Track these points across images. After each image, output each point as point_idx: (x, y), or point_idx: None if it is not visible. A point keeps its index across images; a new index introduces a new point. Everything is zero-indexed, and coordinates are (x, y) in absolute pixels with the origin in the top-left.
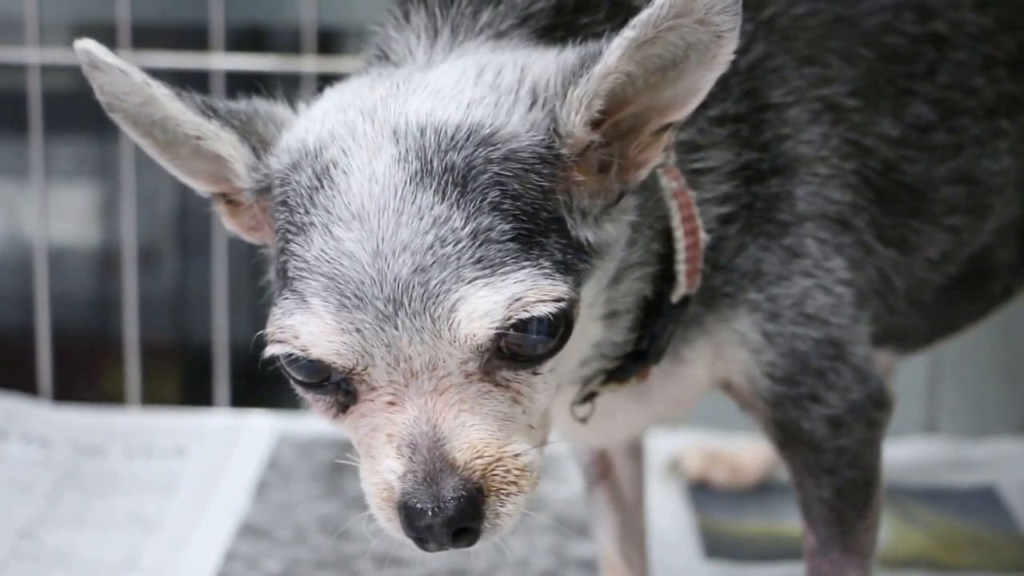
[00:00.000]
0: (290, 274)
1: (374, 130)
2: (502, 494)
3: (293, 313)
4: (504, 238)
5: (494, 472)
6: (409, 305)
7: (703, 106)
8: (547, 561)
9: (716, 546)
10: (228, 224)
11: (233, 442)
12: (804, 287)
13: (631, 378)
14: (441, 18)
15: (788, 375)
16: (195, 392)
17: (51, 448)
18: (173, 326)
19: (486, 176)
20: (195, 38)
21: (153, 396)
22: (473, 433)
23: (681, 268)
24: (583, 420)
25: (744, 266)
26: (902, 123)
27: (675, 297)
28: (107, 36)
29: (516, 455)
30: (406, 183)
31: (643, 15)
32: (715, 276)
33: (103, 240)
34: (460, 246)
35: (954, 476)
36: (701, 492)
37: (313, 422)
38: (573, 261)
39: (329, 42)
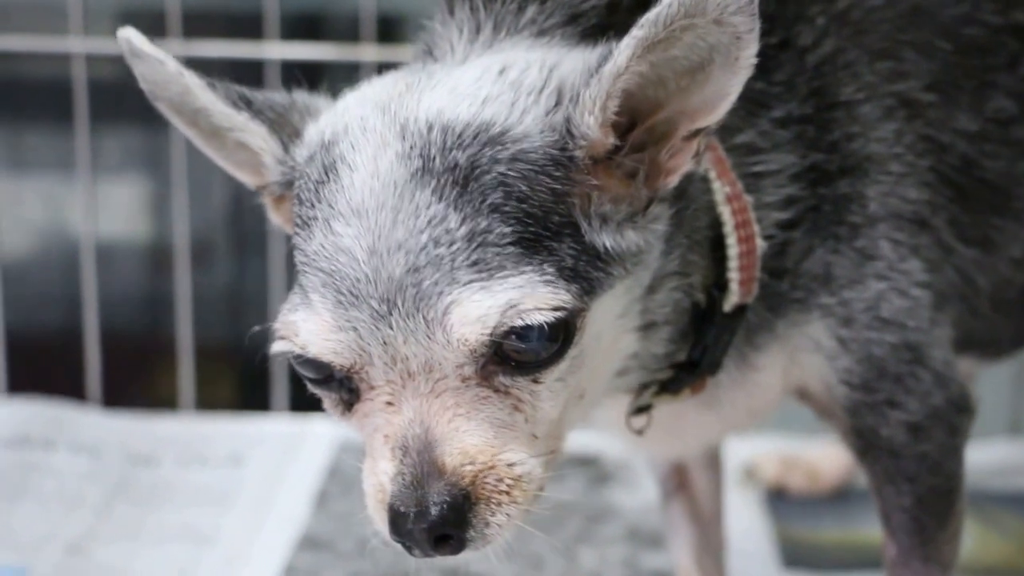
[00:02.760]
0: (297, 268)
1: (383, 125)
2: (492, 503)
3: (297, 309)
4: (504, 241)
5: (485, 480)
6: (402, 305)
7: (766, 108)
8: (620, 573)
9: (795, 555)
10: (272, 217)
11: (292, 449)
12: (878, 290)
13: (683, 389)
14: (484, 13)
15: (865, 381)
16: (251, 397)
17: (101, 458)
18: (228, 327)
19: (490, 176)
20: (249, 26)
21: (207, 401)
22: (466, 439)
23: (734, 276)
24: (639, 432)
25: (813, 270)
26: (982, 117)
27: (727, 306)
28: (156, 24)
29: (511, 464)
30: (407, 181)
31: (651, 14)
32: (781, 281)
33: (153, 236)
34: (455, 247)
35: None
36: (778, 500)
37: None
38: (586, 268)
39: (389, 30)
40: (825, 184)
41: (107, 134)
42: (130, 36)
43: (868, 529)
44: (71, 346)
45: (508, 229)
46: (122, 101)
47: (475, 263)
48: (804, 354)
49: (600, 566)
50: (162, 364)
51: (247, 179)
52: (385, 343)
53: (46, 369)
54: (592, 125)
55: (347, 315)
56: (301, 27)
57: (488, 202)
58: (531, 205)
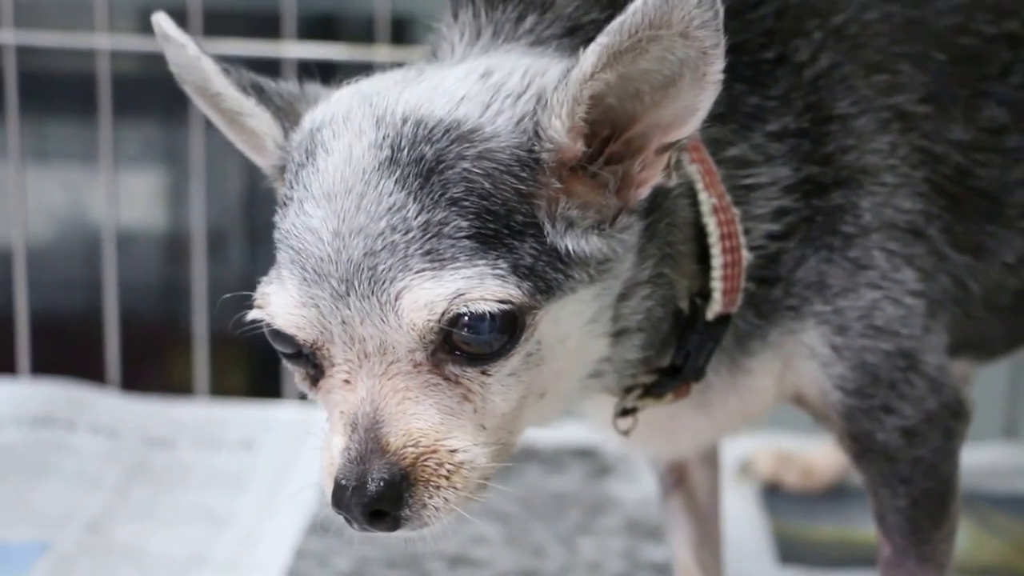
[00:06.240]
0: (276, 245)
1: (363, 116)
2: (431, 486)
3: (271, 282)
4: (460, 234)
5: (426, 462)
6: (359, 287)
7: (761, 121)
8: (619, 565)
9: (790, 552)
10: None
11: (302, 436)
12: (872, 299)
13: (667, 394)
14: (486, 19)
15: (859, 387)
16: (263, 384)
17: (119, 439)
18: (242, 314)
19: (453, 171)
20: (267, 26)
21: (221, 387)
22: (412, 421)
23: (717, 286)
24: (625, 434)
25: (807, 278)
26: (975, 127)
27: (710, 315)
28: (177, 23)
29: (453, 450)
30: (375, 169)
31: (615, 22)
32: (774, 289)
33: (170, 225)
34: (410, 235)
35: None
36: (773, 496)
37: None
38: (544, 269)
39: (403, 31)
40: (819, 196)
41: (128, 127)
42: (161, 20)
43: (863, 527)
44: (91, 331)
45: (465, 223)
46: (143, 95)
47: (428, 252)
48: (799, 361)
49: (600, 557)
50: (178, 350)
51: (263, 163)
52: (344, 322)
53: (67, 352)
54: (559, 129)
55: (310, 292)
56: (317, 27)
57: (448, 195)
58: (493, 202)
